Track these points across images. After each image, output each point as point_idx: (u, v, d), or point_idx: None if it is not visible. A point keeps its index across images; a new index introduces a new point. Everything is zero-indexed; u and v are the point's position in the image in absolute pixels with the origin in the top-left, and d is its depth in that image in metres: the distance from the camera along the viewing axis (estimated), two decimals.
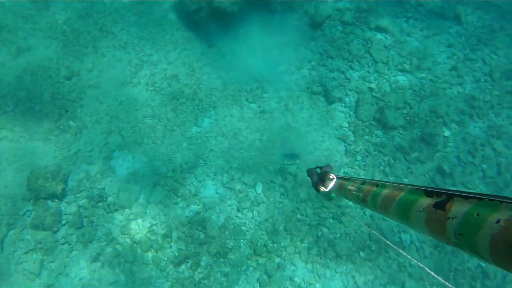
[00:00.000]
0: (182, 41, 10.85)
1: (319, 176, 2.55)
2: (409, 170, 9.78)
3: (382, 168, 9.79)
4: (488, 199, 1.05)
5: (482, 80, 10.72)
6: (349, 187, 2.18)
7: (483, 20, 11.47)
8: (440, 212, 1.20)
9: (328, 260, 9.00)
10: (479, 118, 10.36)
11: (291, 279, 8.82)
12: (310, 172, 2.78)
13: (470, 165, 9.92)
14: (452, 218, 1.14)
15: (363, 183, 2.01)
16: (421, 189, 1.40)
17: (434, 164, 9.86)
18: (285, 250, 9.02)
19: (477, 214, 1.04)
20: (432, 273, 1.53)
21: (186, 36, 10.93)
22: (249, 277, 8.83)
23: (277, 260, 8.96)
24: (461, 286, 8.97)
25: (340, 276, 8.91)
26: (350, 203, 9.27)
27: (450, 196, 1.21)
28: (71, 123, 9.78)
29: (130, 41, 10.69)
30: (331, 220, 9.27)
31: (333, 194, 2.47)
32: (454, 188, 9.39)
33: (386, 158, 9.86)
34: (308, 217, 9.28)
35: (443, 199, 1.23)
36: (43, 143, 9.49)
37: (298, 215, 9.31)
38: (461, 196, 1.16)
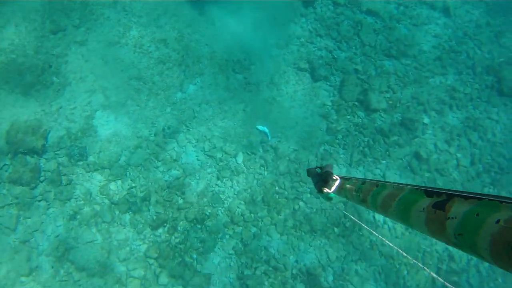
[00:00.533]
0: (173, 6, 10.70)
1: (320, 177, 2.51)
2: (387, 152, 10.02)
3: (361, 148, 9.99)
4: (488, 199, 1.06)
5: (464, 73, 10.99)
6: (349, 187, 2.19)
7: (470, 15, 11.72)
8: (440, 212, 1.21)
9: (303, 234, 9.20)
10: (458, 109, 10.66)
11: (266, 249, 8.99)
12: (310, 173, 2.77)
13: (446, 153, 10.23)
14: (452, 218, 1.14)
15: (363, 183, 2.02)
16: (421, 189, 1.40)
17: (412, 149, 10.13)
18: (262, 220, 9.17)
19: (477, 214, 1.05)
20: (426, 269, 1.62)
21: (178, 1, 10.79)
22: (225, 245, 8.96)
23: (253, 229, 9.11)
24: (428, 267, 9.32)
25: (314, 250, 9.13)
26: None
27: (450, 196, 1.21)
28: (54, 78, 9.60)
29: (120, 1, 10.48)
30: (308, 195, 9.46)
31: (332, 194, 2.43)
32: (428, 175, 9.73)
33: (366, 139, 10.06)
34: (286, 190, 9.44)
35: (443, 199, 1.24)
36: (24, 97, 9.30)
37: (277, 188, 9.46)
38: (461, 196, 1.17)
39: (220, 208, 9.19)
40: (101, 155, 9.15)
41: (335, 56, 10.72)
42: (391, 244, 1.99)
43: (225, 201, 9.26)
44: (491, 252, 0.97)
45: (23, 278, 8.25)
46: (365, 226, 2.45)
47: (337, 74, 10.59)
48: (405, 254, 1.92)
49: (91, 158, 9.12)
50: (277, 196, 9.41)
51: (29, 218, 8.60)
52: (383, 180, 2.07)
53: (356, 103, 10.35)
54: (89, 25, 10.10)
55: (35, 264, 8.37)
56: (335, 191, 2.38)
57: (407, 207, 1.42)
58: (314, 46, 10.83)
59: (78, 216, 8.73)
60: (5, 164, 8.77)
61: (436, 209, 1.23)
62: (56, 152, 9.03)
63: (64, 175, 8.94)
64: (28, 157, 8.84)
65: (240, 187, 9.39)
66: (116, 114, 9.55)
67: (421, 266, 1.73)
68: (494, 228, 0.96)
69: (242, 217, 9.14)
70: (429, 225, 1.26)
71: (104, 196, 8.91)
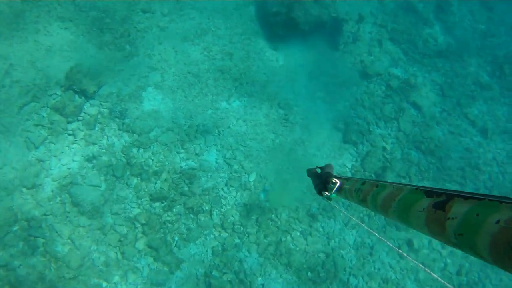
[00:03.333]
0: (250, 32, 11.93)
1: (320, 179, 2.47)
2: (384, 229, 10.45)
3: (361, 215, 10.47)
4: (488, 199, 1.06)
5: (481, 190, 11.44)
6: (349, 187, 2.19)
7: (505, 144, 12.36)
8: (440, 212, 1.20)
9: (279, 264, 9.57)
10: None
11: (240, 261, 9.39)
12: (310, 172, 2.74)
13: (437, 252, 10.56)
14: (452, 218, 1.14)
15: (363, 183, 2.01)
16: (421, 189, 1.40)
17: (407, 236, 10.51)
18: (248, 236, 9.63)
19: (477, 214, 1.05)
20: (426, 270, 1.73)
21: (256, 29, 12.03)
22: (207, 242, 9.43)
23: (237, 240, 9.56)
24: None
25: (282, 282, 9.45)
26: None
27: (450, 196, 1.21)
28: (127, 46, 10.75)
29: (207, 9, 11.78)
30: (298, 233, 9.91)
31: (333, 195, 2.38)
32: (412, 264, 10.02)
33: (369, 210, 10.52)
34: (280, 221, 9.94)
35: (443, 199, 1.24)
36: (97, 49, 10.43)
37: (273, 215, 9.97)
38: (461, 196, 1.17)
39: (217, 210, 9.75)
40: (136, 122, 10.00)
41: (371, 129, 11.51)
42: (393, 247, 2.02)
43: (224, 206, 9.82)
44: (491, 252, 0.98)
45: (23, 189, 8.93)
46: (366, 227, 2.45)
47: (366, 144, 11.33)
48: (405, 255, 1.91)
49: (127, 120, 9.98)
50: (270, 222, 9.91)
51: (54, 144, 9.39)
52: (383, 180, 2.18)
53: (373, 176, 10.95)
54: (174, 17, 11.37)
55: (40, 182, 9.07)
56: (335, 192, 2.36)
57: (407, 207, 1.43)
58: (355, 113, 11.68)
59: (95, 161, 9.47)
60: (55, 93, 9.71)
61: (436, 209, 1.23)
62: (101, 102, 9.96)
63: (100, 123, 9.81)
64: (77, 96, 9.78)
65: (241, 200, 9.97)
66: (164, 96, 10.51)
67: (421, 266, 1.76)
68: (494, 228, 0.97)
69: (232, 226, 9.64)
70: (429, 225, 1.27)
71: (123, 155, 9.66)
